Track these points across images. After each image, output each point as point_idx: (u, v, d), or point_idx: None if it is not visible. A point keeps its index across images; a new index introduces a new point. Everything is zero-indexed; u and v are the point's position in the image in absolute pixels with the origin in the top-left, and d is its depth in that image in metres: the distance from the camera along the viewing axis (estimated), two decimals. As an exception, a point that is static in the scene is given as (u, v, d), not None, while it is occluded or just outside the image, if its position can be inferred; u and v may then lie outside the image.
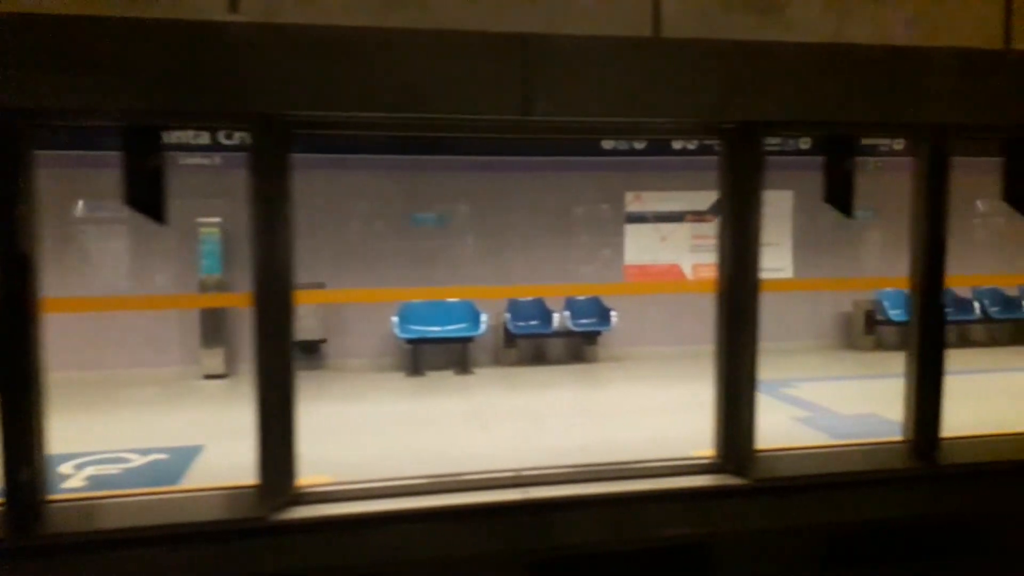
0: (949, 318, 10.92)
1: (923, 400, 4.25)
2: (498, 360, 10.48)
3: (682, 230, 11.09)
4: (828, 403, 7.16)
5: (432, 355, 9.93)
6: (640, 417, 6.91)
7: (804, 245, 11.22)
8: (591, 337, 10.60)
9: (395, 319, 9.82)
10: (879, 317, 11.19)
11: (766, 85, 3.84)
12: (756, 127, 3.89)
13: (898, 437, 4.32)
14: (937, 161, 4.11)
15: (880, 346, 11.15)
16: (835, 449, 4.48)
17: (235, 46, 3.42)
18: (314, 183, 9.65)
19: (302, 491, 3.82)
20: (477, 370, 9.94)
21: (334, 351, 10.24)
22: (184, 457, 5.43)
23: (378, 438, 6.37)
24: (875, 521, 4.13)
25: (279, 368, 3.73)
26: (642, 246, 11.02)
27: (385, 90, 3.53)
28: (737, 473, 4.03)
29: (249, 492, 3.74)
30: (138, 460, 5.48)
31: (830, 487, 4.09)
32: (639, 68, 3.75)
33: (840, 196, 4.06)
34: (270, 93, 3.47)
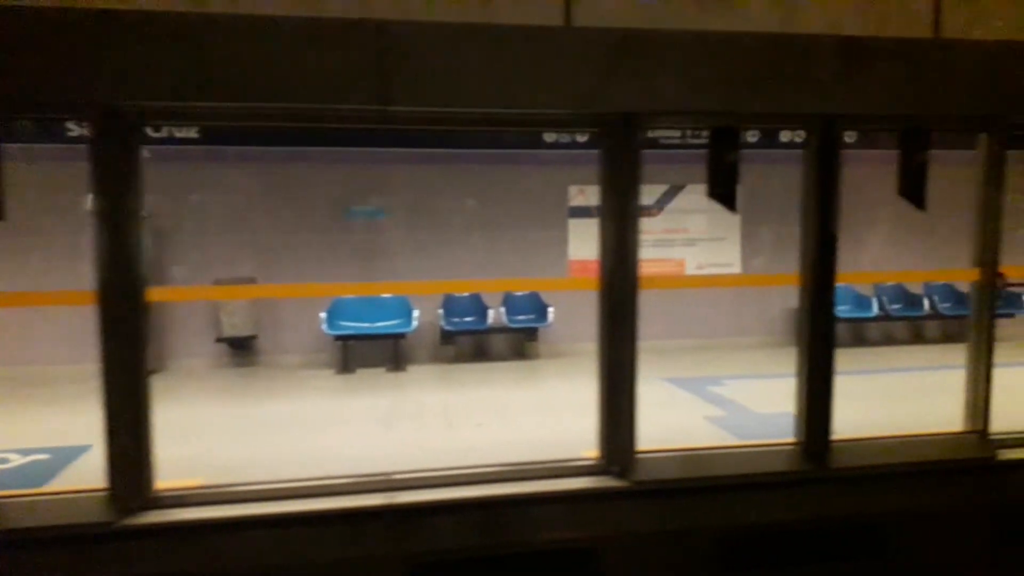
0: (901, 314, 11.01)
1: (813, 401, 4.17)
2: (436, 357, 10.29)
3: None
4: (749, 401, 7.05)
5: (366, 352, 9.70)
6: (561, 414, 6.75)
7: (751, 239, 11.10)
8: (531, 333, 10.44)
9: (323, 315, 9.62)
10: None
11: (646, 75, 3.71)
12: (635, 118, 3.76)
13: (791, 439, 4.23)
14: (826, 152, 4.01)
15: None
16: (725, 451, 4.37)
17: (74, 34, 3.23)
18: (246, 176, 9.45)
19: (159, 495, 3.67)
20: (412, 367, 9.73)
21: (267, 347, 10.02)
22: (65, 457, 5.21)
23: (272, 438, 6.15)
24: (764, 524, 4.03)
25: (128, 369, 3.57)
26: (586, 241, 10.88)
27: (233, 79, 3.36)
28: (620, 475, 3.92)
29: (102, 496, 3.60)
30: (17, 460, 5.25)
31: (715, 490, 3.99)
32: (510, 57, 3.61)
33: (725, 190, 3.94)
34: (112, 83, 3.29)
